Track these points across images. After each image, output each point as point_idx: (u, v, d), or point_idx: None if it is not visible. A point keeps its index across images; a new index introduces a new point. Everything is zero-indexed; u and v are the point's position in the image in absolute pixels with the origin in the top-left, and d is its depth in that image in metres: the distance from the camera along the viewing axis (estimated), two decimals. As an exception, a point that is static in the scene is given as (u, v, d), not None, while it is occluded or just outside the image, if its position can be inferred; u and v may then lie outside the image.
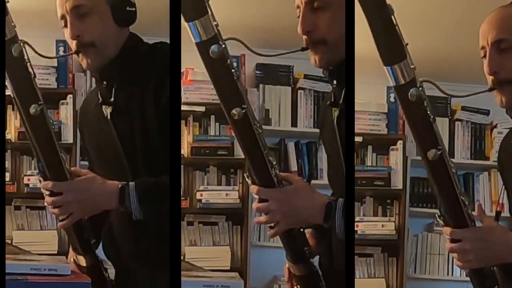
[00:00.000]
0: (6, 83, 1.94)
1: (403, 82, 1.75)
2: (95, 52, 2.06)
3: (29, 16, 4.10)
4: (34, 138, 1.98)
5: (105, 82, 2.10)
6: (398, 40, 1.73)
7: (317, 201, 1.87)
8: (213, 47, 1.76)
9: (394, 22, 1.72)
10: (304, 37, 1.90)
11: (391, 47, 1.73)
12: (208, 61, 1.78)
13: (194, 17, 1.75)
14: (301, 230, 1.98)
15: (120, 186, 1.98)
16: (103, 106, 2.09)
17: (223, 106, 1.82)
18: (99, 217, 2.10)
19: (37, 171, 2.03)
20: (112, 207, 2.02)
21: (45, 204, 2.03)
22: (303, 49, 1.91)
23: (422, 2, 3.81)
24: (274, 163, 1.88)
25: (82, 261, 2.16)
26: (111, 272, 2.22)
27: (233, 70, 1.79)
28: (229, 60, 1.79)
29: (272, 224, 1.90)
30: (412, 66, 1.75)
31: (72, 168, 2.03)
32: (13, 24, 1.90)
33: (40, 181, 2.03)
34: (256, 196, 1.88)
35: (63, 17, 2.08)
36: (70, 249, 2.20)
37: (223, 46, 1.77)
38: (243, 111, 1.80)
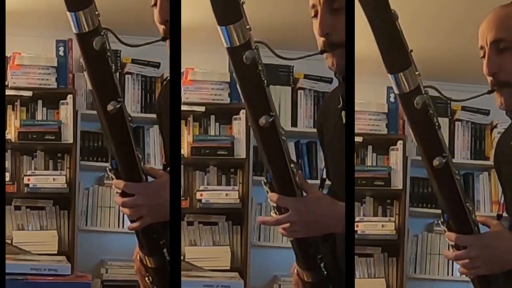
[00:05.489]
0: (86, 77, 1.82)
1: (407, 90, 1.69)
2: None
3: (29, 16, 4.10)
4: (110, 135, 1.86)
5: None
6: (403, 47, 1.67)
7: (338, 211, 1.84)
8: (247, 53, 1.71)
9: (399, 28, 1.66)
10: (322, 39, 1.85)
11: (395, 55, 1.67)
12: (240, 67, 1.73)
13: (228, 21, 1.69)
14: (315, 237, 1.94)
15: None
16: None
17: (250, 113, 1.77)
18: None
19: (110, 167, 1.91)
20: None
21: (115, 202, 1.94)
22: (321, 52, 1.86)
23: (422, 2, 3.80)
24: (295, 171, 1.82)
25: (149, 262, 2.03)
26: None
27: (263, 77, 1.75)
28: (260, 67, 1.75)
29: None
30: (417, 73, 1.69)
31: (147, 167, 1.93)
32: (96, 13, 1.76)
33: (112, 178, 1.92)
34: (274, 204, 1.84)
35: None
36: (136, 246, 2.07)
37: (256, 51, 1.73)
38: (271, 119, 1.76)
